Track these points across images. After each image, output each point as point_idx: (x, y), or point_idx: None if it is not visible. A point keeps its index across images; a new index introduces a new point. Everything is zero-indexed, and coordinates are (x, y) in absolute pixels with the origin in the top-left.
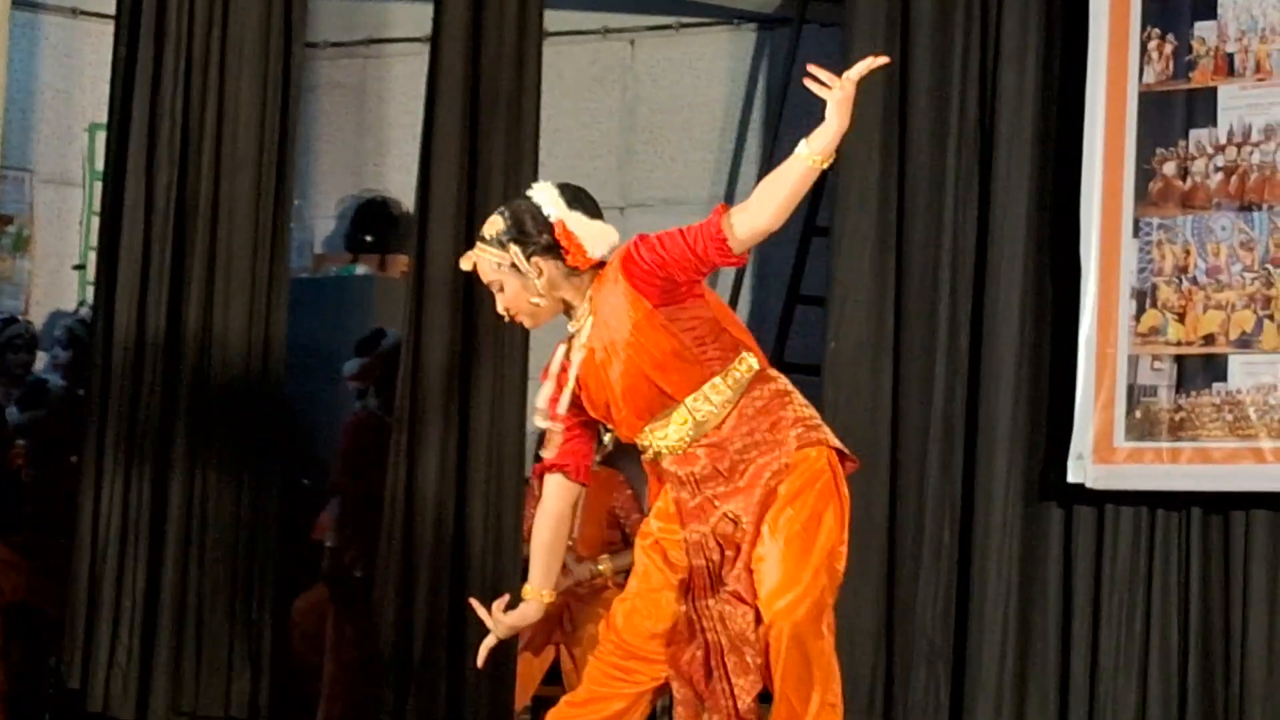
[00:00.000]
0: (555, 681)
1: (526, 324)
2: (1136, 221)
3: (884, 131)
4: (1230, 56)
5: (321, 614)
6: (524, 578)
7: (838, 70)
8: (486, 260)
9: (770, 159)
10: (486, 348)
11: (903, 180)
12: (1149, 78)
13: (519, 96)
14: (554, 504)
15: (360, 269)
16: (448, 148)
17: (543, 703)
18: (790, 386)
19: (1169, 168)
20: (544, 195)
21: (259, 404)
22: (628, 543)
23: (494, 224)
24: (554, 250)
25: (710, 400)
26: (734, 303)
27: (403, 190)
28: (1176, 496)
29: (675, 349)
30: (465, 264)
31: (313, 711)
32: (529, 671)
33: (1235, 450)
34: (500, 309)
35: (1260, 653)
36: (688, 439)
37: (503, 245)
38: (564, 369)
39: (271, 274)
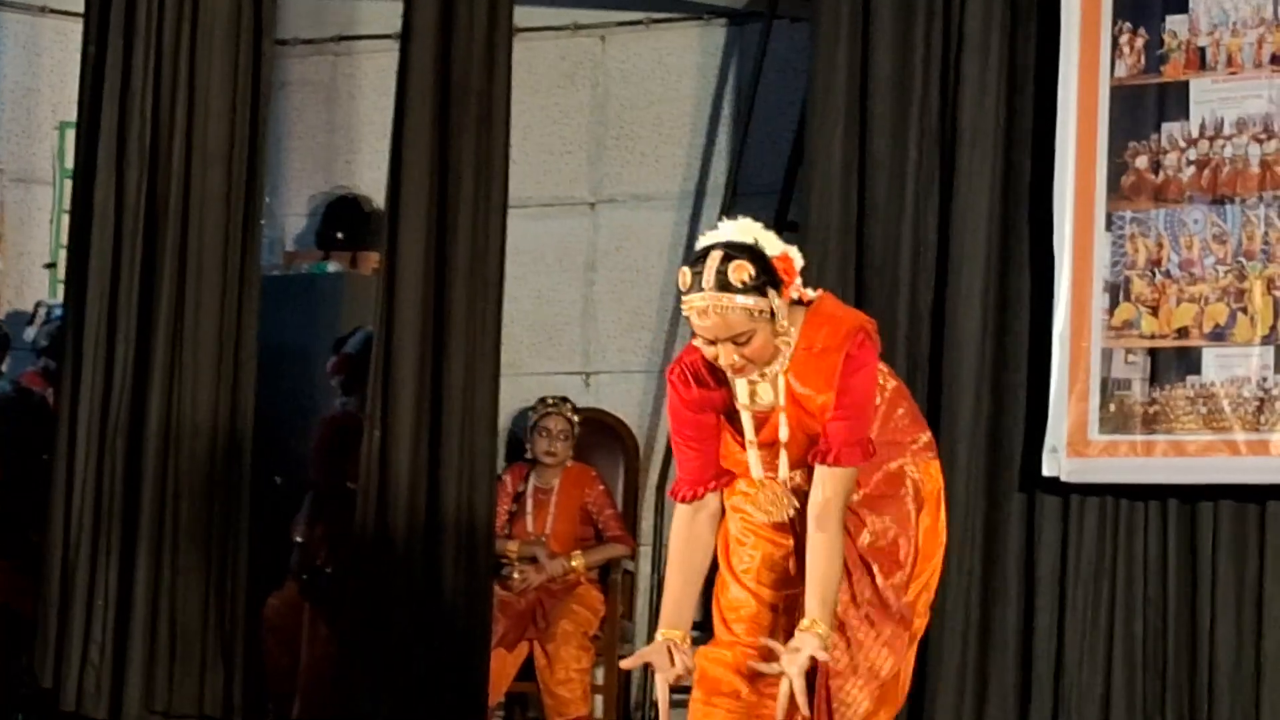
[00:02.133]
0: (529, 678)
1: (747, 373)
2: (1109, 215)
3: (845, 123)
4: (1202, 50)
5: (295, 611)
6: (498, 574)
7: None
8: (740, 311)
9: (741, 154)
10: (458, 344)
11: (864, 173)
12: (1120, 71)
13: (489, 93)
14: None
15: (331, 266)
16: (418, 144)
17: (516, 699)
18: None
19: (1141, 161)
20: (751, 230)
21: (231, 401)
22: (601, 539)
23: (740, 270)
24: (779, 287)
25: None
26: None
27: (374, 187)
28: (1142, 487)
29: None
30: (705, 319)
31: (287, 710)
32: (502, 668)
33: (1209, 443)
34: (734, 360)
35: (1228, 644)
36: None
37: (762, 292)
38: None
39: (243, 271)
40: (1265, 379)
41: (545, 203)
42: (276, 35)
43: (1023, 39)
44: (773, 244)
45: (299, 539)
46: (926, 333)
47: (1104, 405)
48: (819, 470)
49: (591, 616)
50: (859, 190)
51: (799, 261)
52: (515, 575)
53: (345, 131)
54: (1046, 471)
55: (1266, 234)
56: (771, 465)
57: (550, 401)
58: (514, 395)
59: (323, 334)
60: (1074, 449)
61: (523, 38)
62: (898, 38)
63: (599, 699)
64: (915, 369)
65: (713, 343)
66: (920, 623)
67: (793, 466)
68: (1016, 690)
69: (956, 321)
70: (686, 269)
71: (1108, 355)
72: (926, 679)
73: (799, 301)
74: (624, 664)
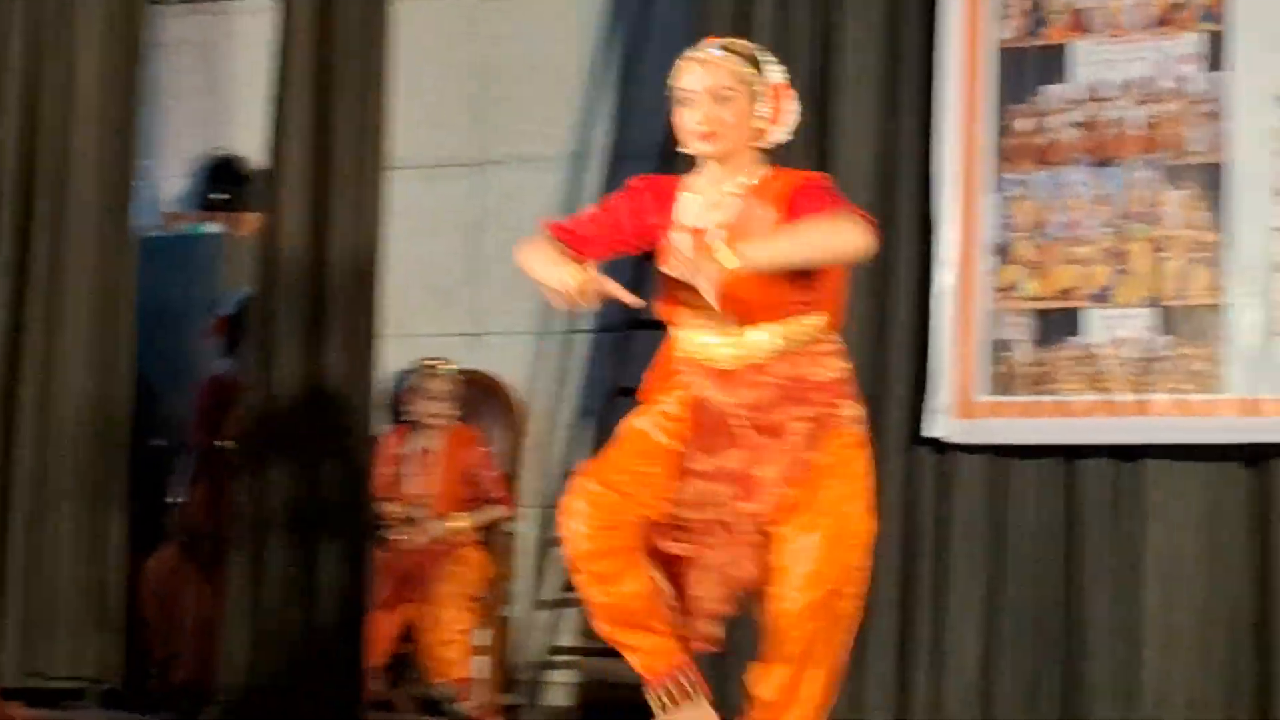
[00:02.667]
0: (409, 639)
1: (712, 147)
2: (995, 177)
3: None
4: (1085, 12)
5: (175, 573)
6: (378, 536)
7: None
8: (728, 68)
9: (626, 115)
10: (337, 305)
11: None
12: (1005, 33)
13: (369, 54)
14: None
15: (211, 227)
16: (298, 105)
17: (398, 661)
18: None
19: (1025, 124)
20: (772, 59)
21: (108, 362)
22: (482, 501)
23: (742, 43)
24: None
25: (779, 337)
26: None
27: (252, 147)
28: (1024, 446)
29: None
30: (693, 68)
31: (169, 672)
32: (384, 630)
33: (1094, 403)
34: (703, 120)
35: (1103, 601)
36: (746, 360)
37: (756, 65)
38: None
39: (120, 233)
40: (1148, 340)
41: (430, 164)
42: None
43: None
44: (783, 76)
45: (178, 500)
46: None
47: (990, 366)
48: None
49: (473, 578)
50: None
51: (792, 115)
52: (397, 537)
53: (224, 92)
54: (931, 432)
55: (1149, 196)
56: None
57: (431, 363)
58: (402, 357)
59: (202, 295)
60: (960, 410)
61: None
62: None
63: (482, 660)
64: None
65: (690, 103)
66: None
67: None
68: (896, 649)
69: (892, 288)
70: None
71: (994, 317)
72: None
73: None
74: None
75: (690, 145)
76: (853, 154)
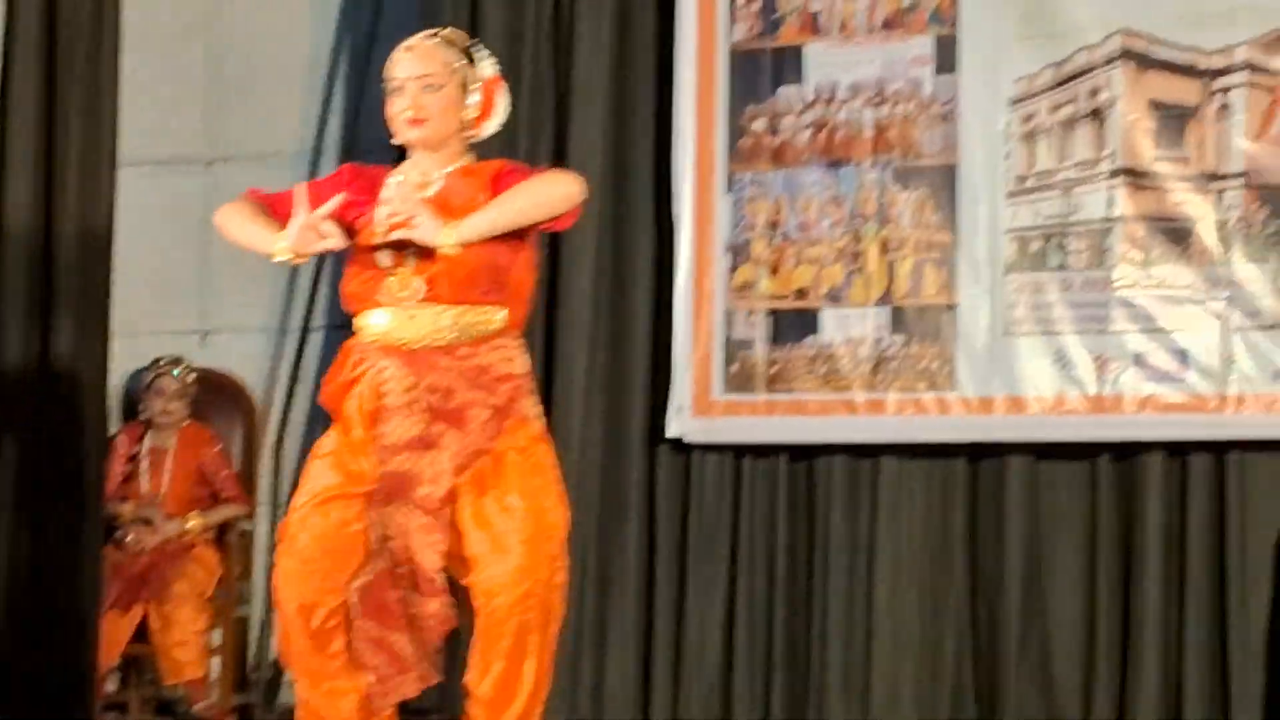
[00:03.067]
0: (143, 640)
1: (421, 133)
2: (730, 177)
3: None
4: (816, 15)
5: None
6: (109, 535)
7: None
8: (439, 58)
9: (358, 112)
10: (67, 303)
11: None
12: (738, 35)
13: (99, 48)
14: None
15: None
16: (24, 100)
17: (131, 662)
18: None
19: (759, 124)
20: (485, 53)
21: None
22: (217, 500)
23: (454, 33)
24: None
25: (462, 321)
26: None
27: None
28: (765, 447)
29: (478, 263)
30: (404, 56)
31: None
32: (116, 631)
33: (829, 402)
34: (410, 106)
35: (839, 594)
36: (429, 341)
37: (468, 56)
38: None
39: None
40: (881, 339)
41: (160, 160)
42: None
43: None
44: (496, 71)
45: None
46: (540, 293)
47: (727, 365)
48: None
49: (208, 577)
50: None
51: (501, 112)
52: (129, 537)
53: None
54: (671, 432)
55: (881, 197)
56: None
57: (164, 361)
58: (130, 355)
59: None
60: (698, 409)
61: None
62: None
63: (216, 660)
64: (528, 332)
65: (400, 91)
66: None
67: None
68: (638, 644)
69: (570, 283)
70: None
71: (730, 316)
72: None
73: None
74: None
75: (399, 133)
76: (588, 155)
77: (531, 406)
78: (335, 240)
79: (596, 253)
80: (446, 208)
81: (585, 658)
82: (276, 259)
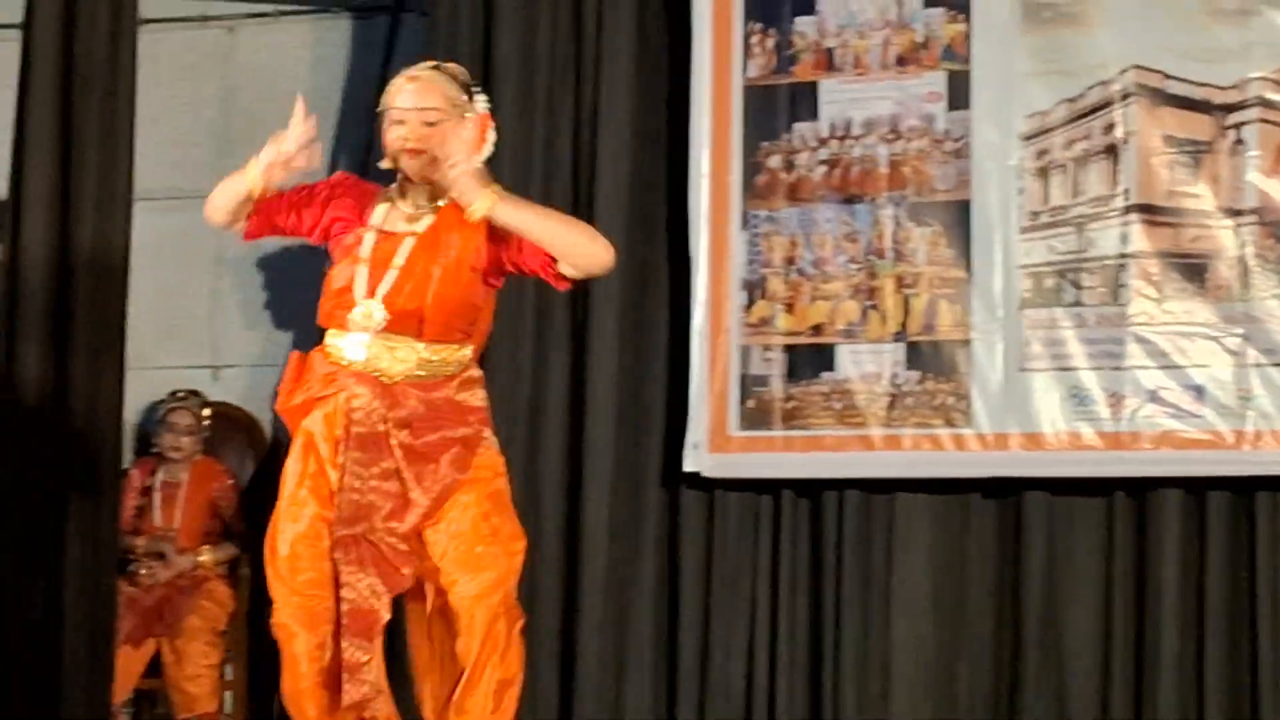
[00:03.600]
0: (156, 674)
1: (418, 164)
2: (745, 214)
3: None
4: (830, 51)
5: None
6: (122, 569)
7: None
8: (441, 90)
9: (370, 148)
10: (82, 338)
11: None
12: (753, 72)
13: (114, 84)
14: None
15: None
16: (41, 135)
17: (144, 696)
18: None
19: (775, 160)
20: (479, 89)
21: None
22: (229, 534)
23: (455, 70)
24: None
25: (438, 356)
26: None
27: None
28: (782, 483)
29: (462, 301)
30: (409, 86)
31: None
32: (129, 665)
33: (844, 438)
34: (409, 135)
35: (855, 632)
36: (407, 374)
37: (468, 92)
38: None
39: None
40: (896, 375)
41: (172, 195)
42: None
43: (654, 35)
44: (482, 103)
45: None
46: (564, 329)
47: (743, 401)
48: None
49: (220, 612)
50: None
51: (490, 145)
52: (142, 571)
53: None
54: (688, 467)
55: (895, 233)
56: (370, 292)
57: (178, 396)
58: (142, 389)
59: None
60: (714, 445)
61: (149, 28)
62: (521, 30)
63: (228, 695)
64: (551, 367)
65: (401, 122)
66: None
67: (393, 320)
68: (663, 681)
69: (594, 318)
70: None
71: (746, 352)
72: (576, 675)
73: None
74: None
75: (399, 161)
76: (613, 192)
77: (491, 436)
78: (303, 160)
79: (621, 289)
80: (435, 241)
81: (607, 690)
82: (250, 177)
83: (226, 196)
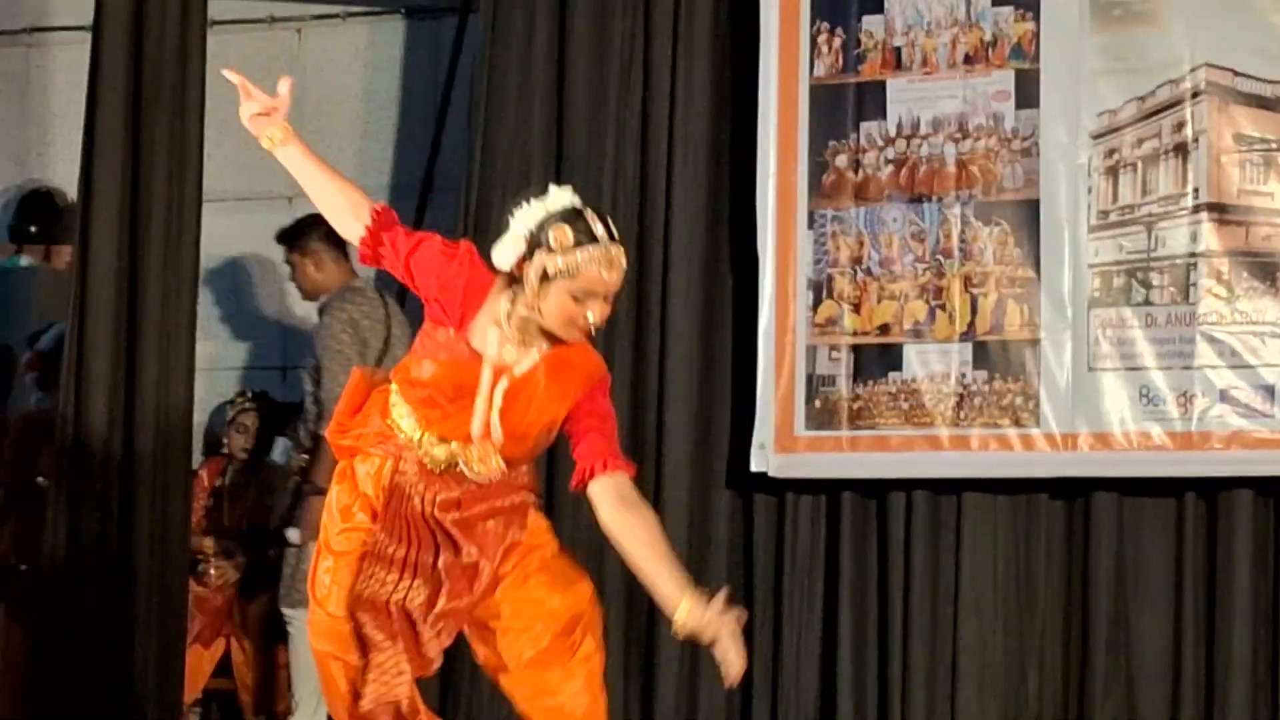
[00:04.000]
0: (226, 674)
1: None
2: (811, 213)
3: (541, 120)
4: (898, 50)
5: None
6: (192, 570)
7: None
8: (621, 266)
9: (437, 147)
10: (151, 339)
11: (559, 175)
12: (819, 71)
13: (184, 86)
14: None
15: (24, 260)
16: (111, 137)
17: (213, 696)
18: None
19: (841, 160)
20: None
21: None
22: None
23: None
24: None
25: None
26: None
27: (68, 180)
28: (850, 483)
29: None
30: (612, 272)
31: None
32: (199, 664)
33: (911, 438)
34: (598, 320)
35: (922, 634)
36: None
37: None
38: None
39: None
40: (964, 375)
41: (242, 196)
42: None
43: (724, 38)
44: None
45: None
46: (630, 336)
47: (809, 401)
48: (596, 489)
49: None
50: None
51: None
52: (211, 571)
53: (38, 124)
54: (755, 467)
55: (963, 232)
56: (485, 431)
57: (246, 396)
58: (211, 390)
59: (15, 329)
60: (781, 445)
61: (218, 30)
62: (594, 33)
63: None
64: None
65: (606, 299)
66: None
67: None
68: (739, 688)
69: (668, 323)
70: (568, 228)
71: (812, 352)
72: (656, 677)
73: None
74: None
75: (562, 330)
76: (687, 198)
77: (534, 498)
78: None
79: (701, 291)
80: (529, 392)
81: (683, 696)
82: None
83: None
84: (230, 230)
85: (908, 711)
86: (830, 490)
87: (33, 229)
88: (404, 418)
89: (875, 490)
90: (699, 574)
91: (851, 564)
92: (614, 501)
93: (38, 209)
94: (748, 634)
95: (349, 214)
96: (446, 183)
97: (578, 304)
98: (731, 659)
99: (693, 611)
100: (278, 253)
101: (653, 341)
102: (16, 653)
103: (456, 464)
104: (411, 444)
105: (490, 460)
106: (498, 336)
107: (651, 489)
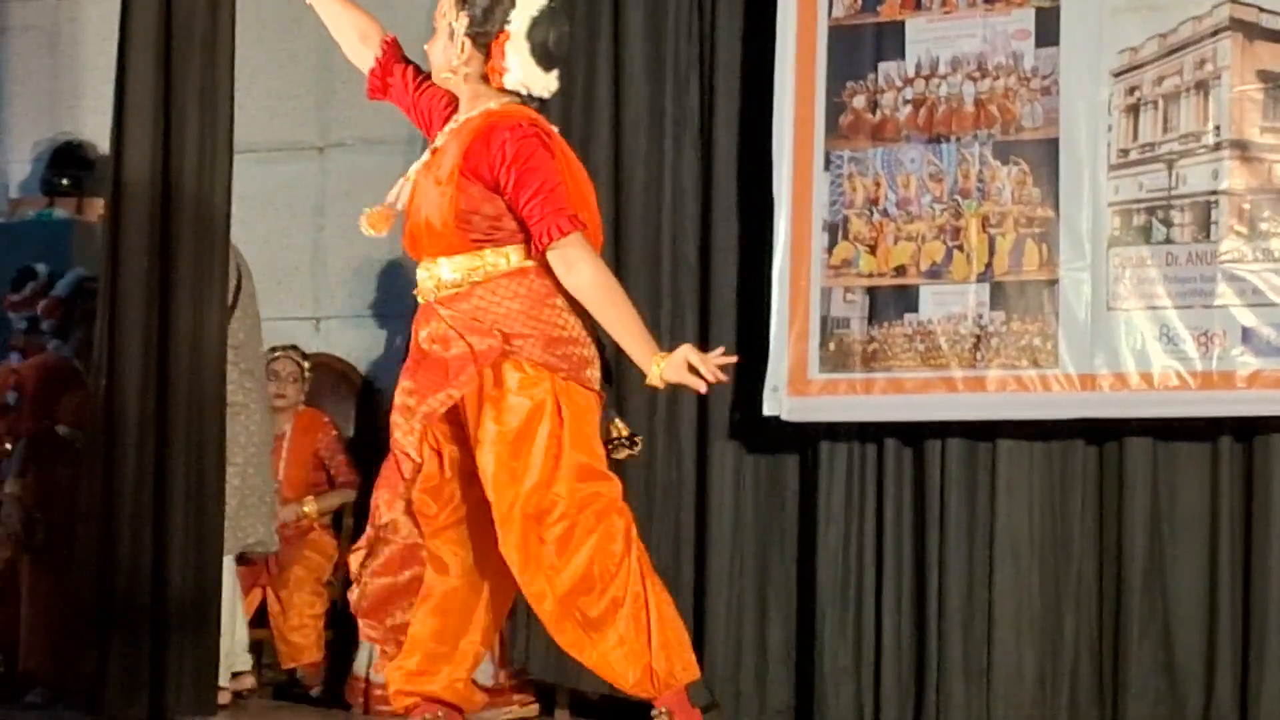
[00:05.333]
0: (262, 624)
1: (435, 71)
2: (827, 154)
3: (591, 70)
4: None
5: (10, 564)
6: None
7: None
8: (441, 6)
9: None
10: (184, 291)
11: (619, 125)
12: (838, 11)
13: (214, 36)
14: None
15: (57, 212)
16: (142, 89)
17: (250, 646)
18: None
19: (859, 101)
20: (526, 7)
21: None
22: (333, 484)
23: None
24: (486, 49)
25: (462, 268)
26: None
27: (99, 132)
28: (882, 429)
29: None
30: None
31: (11, 665)
32: None
33: (927, 380)
34: (429, 48)
35: (959, 578)
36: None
37: (459, 5)
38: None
39: None
40: (981, 316)
41: (273, 147)
42: None
43: None
44: (520, 25)
45: (10, 490)
46: (694, 279)
47: (824, 344)
48: (553, 256)
49: (324, 562)
50: (615, 140)
51: (521, 64)
52: None
53: (69, 76)
54: (767, 410)
55: (981, 172)
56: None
57: (279, 347)
58: None
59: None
60: (794, 388)
61: None
62: None
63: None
64: (680, 316)
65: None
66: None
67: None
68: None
69: (714, 266)
70: None
71: (827, 294)
72: (706, 620)
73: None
74: None
75: (440, 81)
76: (728, 140)
77: (532, 349)
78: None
79: (740, 236)
80: (435, 164)
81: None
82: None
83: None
84: (263, 180)
85: (944, 655)
86: (866, 438)
87: (65, 182)
88: None
89: (911, 437)
90: (756, 520)
91: (889, 510)
92: (569, 267)
93: (70, 161)
94: (781, 586)
95: (357, 40)
96: None
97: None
98: (693, 377)
99: (665, 368)
100: (311, 203)
101: (706, 288)
102: (44, 603)
103: (424, 276)
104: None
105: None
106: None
107: (703, 437)
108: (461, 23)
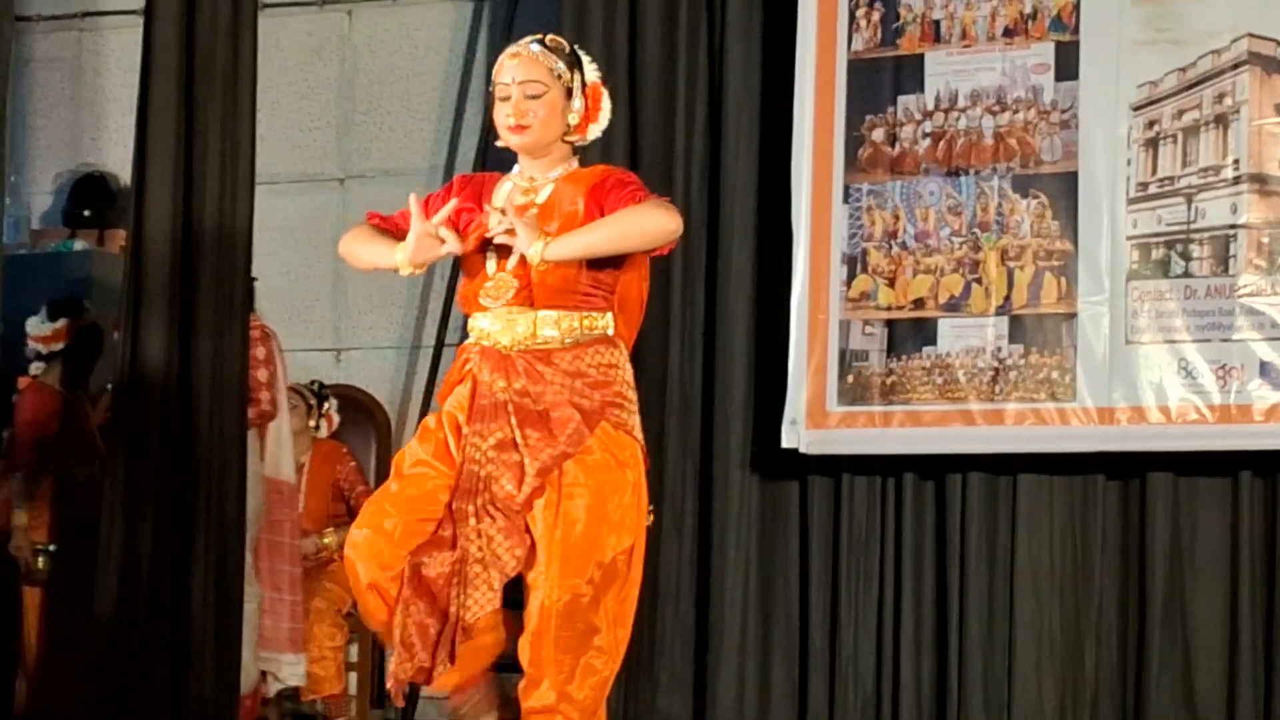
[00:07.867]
0: None
1: (522, 139)
2: (846, 187)
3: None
4: (936, 23)
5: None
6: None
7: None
8: (542, 64)
9: (488, 129)
10: (206, 321)
11: (635, 151)
12: (858, 45)
13: (235, 68)
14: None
15: (78, 244)
16: (164, 121)
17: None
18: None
19: (878, 134)
20: (588, 58)
21: None
22: (353, 515)
23: (557, 41)
24: (583, 82)
25: (562, 326)
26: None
27: (121, 164)
28: (901, 462)
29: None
30: (510, 62)
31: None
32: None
33: (945, 413)
34: (513, 113)
35: (979, 610)
36: (526, 344)
37: (570, 64)
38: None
39: None
40: (1000, 349)
41: (294, 179)
42: (18, 12)
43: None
44: (597, 76)
45: (15, 523)
46: (700, 307)
47: (842, 376)
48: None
49: (345, 594)
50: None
51: (606, 113)
52: None
53: (91, 108)
54: (786, 443)
55: (1000, 205)
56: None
57: (298, 385)
58: None
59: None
60: (813, 420)
61: (269, 13)
62: (657, 15)
63: (353, 676)
64: (690, 348)
65: (506, 98)
66: None
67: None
68: (797, 661)
69: (728, 299)
70: None
71: (845, 327)
72: (709, 655)
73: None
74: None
75: (504, 138)
76: (741, 172)
77: (626, 418)
78: (452, 245)
79: (753, 266)
80: (552, 213)
81: (744, 670)
82: (403, 272)
83: (370, 259)
84: (284, 212)
85: (965, 687)
86: (887, 471)
87: (86, 213)
88: (475, 320)
89: (932, 471)
90: (761, 552)
91: (909, 545)
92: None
93: (91, 193)
94: (803, 611)
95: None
96: (497, 164)
97: (503, 101)
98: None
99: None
100: (332, 234)
101: (712, 318)
102: (57, 632)
103: (502, 331)
104: (482, 335)
105: (504, 286)
106: (508, 189)
107: (708, 468)
108: (579, 79)
